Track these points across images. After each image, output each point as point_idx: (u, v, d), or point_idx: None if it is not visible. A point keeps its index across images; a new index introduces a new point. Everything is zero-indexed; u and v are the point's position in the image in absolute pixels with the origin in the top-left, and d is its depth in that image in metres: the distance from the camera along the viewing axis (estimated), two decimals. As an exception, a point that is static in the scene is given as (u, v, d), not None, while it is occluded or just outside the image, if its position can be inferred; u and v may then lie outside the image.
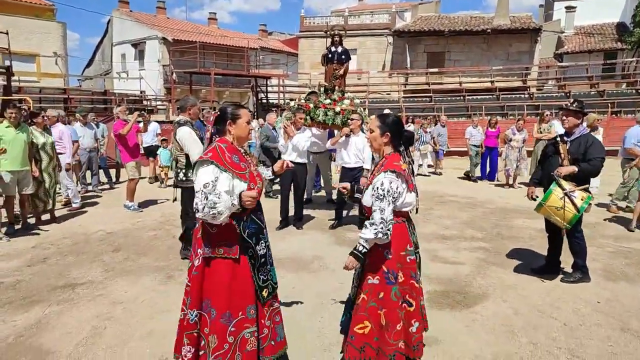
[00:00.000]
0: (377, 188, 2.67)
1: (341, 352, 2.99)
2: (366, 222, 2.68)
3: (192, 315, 2.64)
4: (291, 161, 6.60)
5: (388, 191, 2.64)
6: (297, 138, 6.67)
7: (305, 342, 3.42)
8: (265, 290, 2.75)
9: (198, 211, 2.53)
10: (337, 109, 7.15)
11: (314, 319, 3.78)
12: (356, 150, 6.68)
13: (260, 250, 2.75)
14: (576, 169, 4.37)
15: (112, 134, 10.50)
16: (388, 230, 2.61)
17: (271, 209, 7.01)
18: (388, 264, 2.73)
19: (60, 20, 25.25)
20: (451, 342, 3.45)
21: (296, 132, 6.74)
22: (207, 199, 2.50)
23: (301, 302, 4.07)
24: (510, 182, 10.61)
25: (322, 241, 6.13)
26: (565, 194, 4.23)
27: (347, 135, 6.76)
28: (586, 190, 4.35)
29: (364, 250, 2.67)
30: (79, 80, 32.84)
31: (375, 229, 2.60)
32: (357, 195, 3.07)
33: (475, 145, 11.51)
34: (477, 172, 11.74)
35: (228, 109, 2.80)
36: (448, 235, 6.45)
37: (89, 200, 8.62)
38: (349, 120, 6.87)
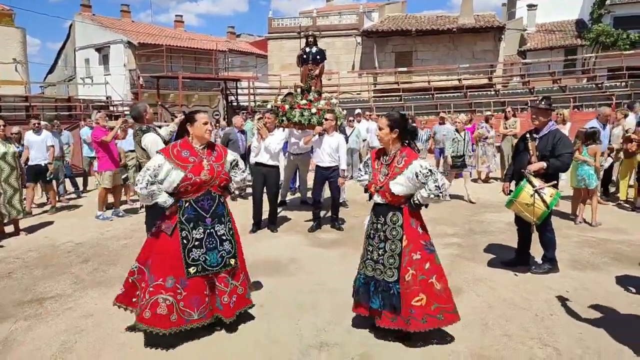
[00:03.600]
0: (419, 171, 3.15)
1: (395, 324, 3.28)
2: (428, 190, 3.15)
3: (134, 267, 3.47)
4: (262, 163, 6.65)
5: (431, 167, 3.17)
6: (268, 140, 6.63)
7: (283, 346, 3.40)
8: (192, 267, 3.33)
9: (139, 183, 3.22)
10: (313, 109, 7.15)
11: (291, 323, 3.76)
12: (330, 149, 6.68)
13: (196, 234, 3.34)
14: (545, 165, 4.46)
15: (82, 140, 10.29)
16: (445, 194, 3.16)
17: (244, 211, 6.98)
18: (424, 237, 3.29)
19: (19, 25, 24.44)
20: (427, 337, 3.47)
21: (269, 134, 6.71)
22: (146, 176, 3.21)
23: (278, 306, 4.05)
24: (483, 177, 10.87)
25: (297, 243, 6.11)
26: (535, 191, 4.32)
27: (320, 134, 6.76)
28: (555, 186, 4.46)
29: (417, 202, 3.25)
30: (41, 87, 31.85)
31: (440, 192, 3.12)
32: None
33: None
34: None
35: (187, 114, 3.52)
36: (421, 232, 6.52)
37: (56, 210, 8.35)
38: (324, 120, 6.88)
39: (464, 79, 21.94)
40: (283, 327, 3.68)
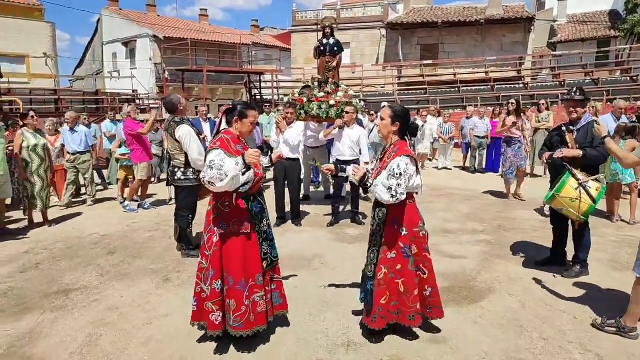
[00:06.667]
0: (394, 169, 3.01)
1: (364, 318, 3.34)
2: (382, 183, 3.02)
3: (217, 285, 3.06)
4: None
5: (405, 171, 3.01)
6: (288, 133, 6.52)
7: (309, 344, 3.31)
8: (264, 262, 3.21)
9: (205, 177, 2.90)
10: (331, 101, 7.02)
11: (317, 320, 3.66)
12: (351, 143, 6.54)
13: (263, 227, 3.23)
14: (581, 153, 4.24)
15: (103, 133, 10.40)
16: (393, 196, 2.97)
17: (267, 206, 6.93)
18: (403, 239, 3.13)
19: (49, 20, 24.96)
20: (459, 339, 3.35)
21: (287, 127, 6.61)
22: (212, 167, 2.89)
23: (303, 303, 3.96)
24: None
25: (322, 238, 6.01)
26: (580, 185, 4.04)
27: (341, 128, 6.63)
28: (597, 180, 4.16)
29: (367, 191, 3.12)
30: (70, 80, 32.49)
31: (390, 193, 2.97)
32: (341, 174, 3.34)
33: (478, 137, 11.32)
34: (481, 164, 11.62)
35: (239, 107, 3.20)
36: (450, 229, 6.35)
37: (84, 202, 8.45)
38: (343, 113, 6.74)
39: (491, 72, 21.39)
40: (309, 325, 3.59)
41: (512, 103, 8.29)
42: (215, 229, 3.09)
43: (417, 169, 3.15)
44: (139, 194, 8.06)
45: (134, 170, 7.71)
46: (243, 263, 3.08)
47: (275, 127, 6.62)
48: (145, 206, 7.84)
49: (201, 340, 3.35)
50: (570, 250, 4.74)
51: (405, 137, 3.23)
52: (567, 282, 4.37)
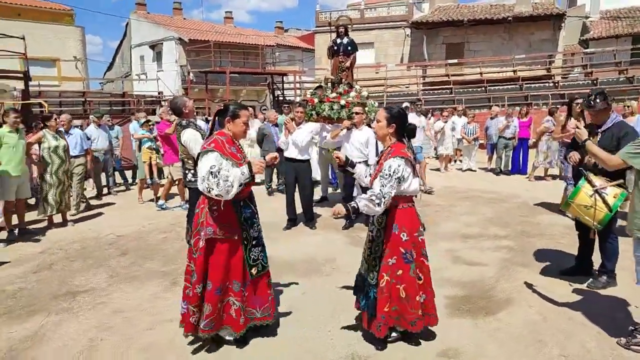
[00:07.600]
0: (384, 170, 2.93)
1: (367, 327, 3.21)
2: (368, 192, 2.94)
3: (198, 289, 3.05)
4: (292, 158, 6.42)
5: (395, 171, 2.91)
6: (296, 134, 6.39)
7: (315, 356, 3.16)
8: (254, 268, 3.16)
9: (212, 190, 2.82)
10: (342, 102, 6.87)
11: (324, 330, 3.51)
12: (359, 144, 6.37)
13: (253, 232, 3.16)
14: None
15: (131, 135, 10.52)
16: (380, 204, 2.87)
17: (278, 208, 6.84)
18: (405, 245, 3.02)
19: (79, 24, 25.65)
20: (475, 353, 3.15)
21: (296, 127, 6.48)
22: (217, 176, 2.82)
23: (311, 311, 3.82)
24: (542, 173, 10.24)
25: (336, 242, 5.85)
26: (596, 191, 3.72)
27: (349, 129, 6.48)
28: (620, 185, 3.81)
29: (355, 207, 2.95)
30: (100, 83, 33.27)
31: (371, 198, 2.87)
32: (348, 168, 3.31)
33: (505, 138, 10.92)
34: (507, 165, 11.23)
35: (230, 108, 3.13)
36: (470, 234, 6.09)
37: (104, 203, 8.53)
38: (353, 114, 6.58)
39: (519, 71, 20.78)
40: (315, 335, 3.44)
41: (578, 104, 6.41)
42: (202, 233, 3.03)
43: (415, 172, 3.05)
44: (159, 194, 8.13)
45: (166, 168, 7.87)
46: (225, 270, 3.05)
47: (284, 128, 6.51)
48: (164, 207, 7.86)
49: (202, 348, 3.25)
50: (597, 259, 4.44)
51: (403, 139, 3.13)
52: (591, 294, 4.09)
